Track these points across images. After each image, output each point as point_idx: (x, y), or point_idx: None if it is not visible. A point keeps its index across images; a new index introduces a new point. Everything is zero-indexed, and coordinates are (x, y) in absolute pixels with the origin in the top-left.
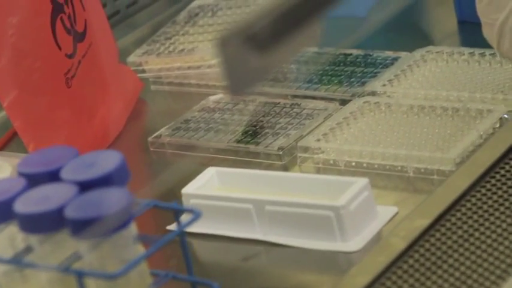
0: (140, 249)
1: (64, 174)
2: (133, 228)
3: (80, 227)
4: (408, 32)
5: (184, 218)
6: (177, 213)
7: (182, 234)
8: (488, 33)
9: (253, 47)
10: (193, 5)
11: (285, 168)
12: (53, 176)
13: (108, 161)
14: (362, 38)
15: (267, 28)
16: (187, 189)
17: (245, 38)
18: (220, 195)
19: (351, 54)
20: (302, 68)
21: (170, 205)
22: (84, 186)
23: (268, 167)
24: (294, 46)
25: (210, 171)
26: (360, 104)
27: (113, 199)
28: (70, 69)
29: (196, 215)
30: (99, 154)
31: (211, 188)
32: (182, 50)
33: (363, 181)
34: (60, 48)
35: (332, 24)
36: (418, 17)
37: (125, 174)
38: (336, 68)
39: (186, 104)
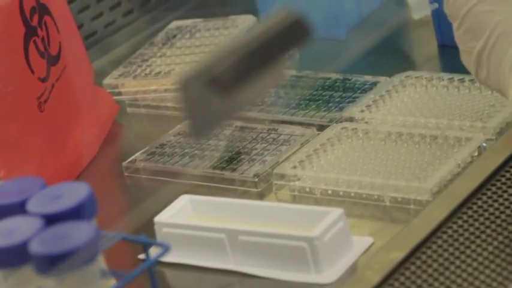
0: (109, 282)
1: (30, 206)
2: (100, 262)
3: (45, 262)
4: (388, 55)
5: (155, 249)
6: (145, 246)
7: (151, 268)
8: (466, 60)
9: (215, 90)
10: (171, 26)
11: (261, 195)
12: (19, 208)
13: (76, 193)
14: (341, 61)
15: (229, 70)
16: (160, 218)
17: (206, 80)
18: (193, 225)
19: (329, 79)
20: (280, 91)
21: (138, 238)
22: (51, 219)
23: (244, 194)
24: (258, 88)
25: (184, 199)
26: (337, 130)
27: (79, 233)
28: (43, 93)
29: (165, 248)
30: (67, 186)
31: (185, 216)
32: (159, 72)
33: (337, 211)
34: (33, 72)
35: (311, 46)
36: (399, 39)
37: (93, 207)
38: (314, 93)
39: (162, 127)
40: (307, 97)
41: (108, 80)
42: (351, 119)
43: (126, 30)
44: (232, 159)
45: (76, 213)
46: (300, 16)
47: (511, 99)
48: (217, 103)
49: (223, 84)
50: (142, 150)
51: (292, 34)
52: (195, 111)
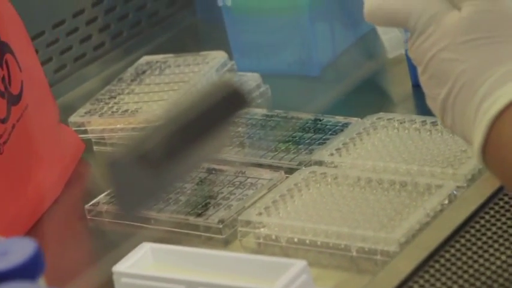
0: None
1: None
2: None
3: None
4: (361, 94)
5: None
6: None
7: None
8: (432, 106)
9: (145, 166)
10: (141, 61)
11: (226, 242)
12: None
13: (21, 250)
14: (313, 100)
15: (160, 146)
16: (118, 267)
17: (137, 157)
18: (152, 275)
19: (300, 119)
20: (250, 132)
21: None
22: None
23: (209, 240)
24: (193, 160)
25: (144, 247)
26: (305, 174)
27: None
28: (2, 134)
29: None
30: (13, 242)
31: (145, 265)
32: (126, 110)
33: (301, 264)
34: None
35: (283, 83)
36: (373, 78)
37: (39, 266)
38: (285, 133)
39: None
40: (277, 138)
41: (73, 118)
42: (320, 163)
43: (97, 64)
44: (197, 204)
45: (20, 272)
46: (237, 86)
47: (476, 149)
48: (148, 180)
49: (153, 160)
50: (106, 193)
51: (229, 105)
52: (125, 189)
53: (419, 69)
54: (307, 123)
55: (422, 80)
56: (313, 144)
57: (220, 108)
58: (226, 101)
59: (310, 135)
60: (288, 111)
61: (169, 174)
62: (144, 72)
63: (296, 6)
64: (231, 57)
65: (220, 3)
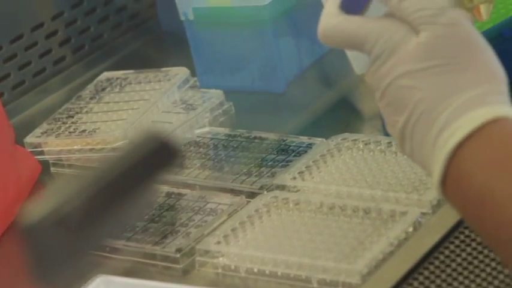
0: None
1: None
2: None
3: None
4: (328, 111)
5: None
6: None
7: None
8: (391, 132)
9: (63, 231)
10: (101, 77)
11: (184, 271)
12: None
13: None
14: (278, 118)
15: (80, 208)
16: None
17: (54, 222)
18: None
19: (265, 139)
20: (211, 153)
21: None
22: None
23: (166, 270)
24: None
25: (96, 281)
26: (266, 200)
27: None
28: None
29: None
30: None
31: None
32: (84, 130)
33: None
34: None
35: (247, 100)
36: (340, 94)
37: None
38: (247, 155)
39: None
40: (240, 160)
41: (29, 139)
42: (282, 187)
43: (57, 79)
44: (155, 231)
45: None
46: (166, 138)
47: (435, 182)
48: (65, 245)
49: (72, 224)
50: None
51: (157, 159)
52: (42, 255)
53: (377, 95)
54: (270, 144)
55: (380, 106)
56: (276, 167)
57: (147, 163)
58: (153, 155)
59: (273, 156)
60: (251, 131)
61: (91, 238)
62: (103, 89)
63: (259, 21)
64: (194, 73)
65: (182, 17)
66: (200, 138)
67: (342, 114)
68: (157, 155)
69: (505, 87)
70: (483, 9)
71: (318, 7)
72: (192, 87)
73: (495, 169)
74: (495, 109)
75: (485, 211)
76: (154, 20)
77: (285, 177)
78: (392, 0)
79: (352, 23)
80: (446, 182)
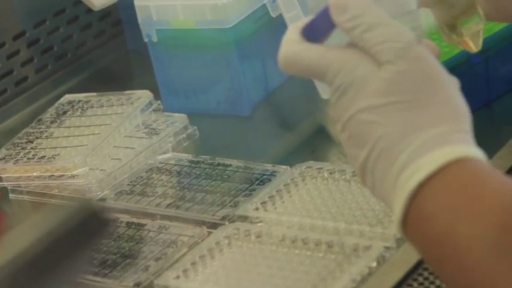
0: None
1: None
2: None
3: None
4: (294, 136)
5: None
6: None
7: None
8: (352, 165)
9: None
10: (62, 100)
11: None
12: None
13: None
14: (243, 142)
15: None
16: None
17: None
18: None
19: (229, 165)
20: (173, 180)
21: None
22: None
23: None
24: None
25: None
26: (228, 231)
27: None
28: None
29: None
30: None
31: None
32: (43, 157)
33: None
34: None
35: (212, 124)
36: (307, 118)
37: None
38: (212, 183)
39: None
40: (203, 188)
41: None
42: (244, 218)
43: (19, 100)
44: (114, 263)
45: None
46: (96, 208)
47: (395, 220)
48: None
49: None
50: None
51: (87, 229)
52: None
53: (338, 127)
54: (234, 171)
55: (341, 138)
56: (239, 196)
57: (77, 234)
58: (83, 225)
59: (236, 185)
60: (215, 158)
61: None
62: (65, 112)
63: (224, 43)
64: (159, 95)
65: (145, 38)
66: (163, 165)
67: (308, 139)
68: (86, 226)
69: (468, 124)
70: (472, 41)
71: (284, 29)
72: (156, 110)
73: (457, 213)
74: (457, 149)
75: (446, 255)
76: (120, 38)
77: (248, 207)
78: (355, 30)
79: (314, 52)
80: (407, 222)
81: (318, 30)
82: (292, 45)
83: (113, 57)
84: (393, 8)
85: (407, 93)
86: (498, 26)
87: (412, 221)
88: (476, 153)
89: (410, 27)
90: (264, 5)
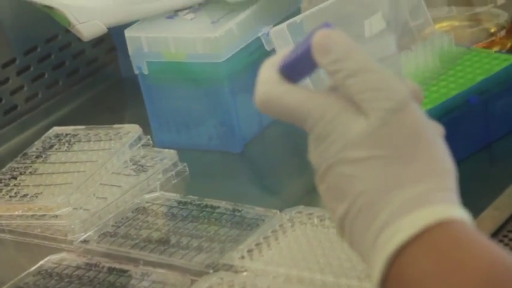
0: None
1: None
2: None
3: None
4: (285, 175)
5: None
6: None
7: None
8: (331, 217)
9: None
10: (49, 133)
11: None
12: None
13: None
14: (234, 181)
15: None
16: None
17: None
18: None
19: (217, 207)
20: (159, 222)
21: None
22: None
23: None
24: None
25: None
26: (211, 282)
27: None
28: None
29: None
30: None
31: None
32: (25, 195)
33: None
34: None
35: (203, 160)
36: (302, 155)
37: None
38: (199, 226)
39: (32, 256)
40: (189, 232)
41: None
42: (229, 267)
43: (9, 129)
44: None
45: None
46: None
47: (374, 282)
48: None
49: None
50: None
51: None
52: None
53: (317, 177)
54: (222, 214)
55: (320, 188)
56: (226, 241)
57: None
58: None
59: (224, 229)
60: (203, 199)
61: None
62: (51, 146)
63: (216, 78)
64: (149, 129)
65: (136, 70)
66: (149, 204)
67: (301, 179)
68: None
69: (453, 182)
70: None
71: None
72: (145, 145)
73: (439, 281)
74: (440, 210)
75: None
76: (113, 66)
77: (233, 255)
78: (338, 74)
79: (295, 96)
80: (386, 284)
81: (298, 69)
82: (271, 86)
83: (105, 85)
84: (374, 50)
85: (390, 148)
86: (497, 67)
87: (392, 284)
88: (461, 214)
89: (392, 71)
90: (258, 38)
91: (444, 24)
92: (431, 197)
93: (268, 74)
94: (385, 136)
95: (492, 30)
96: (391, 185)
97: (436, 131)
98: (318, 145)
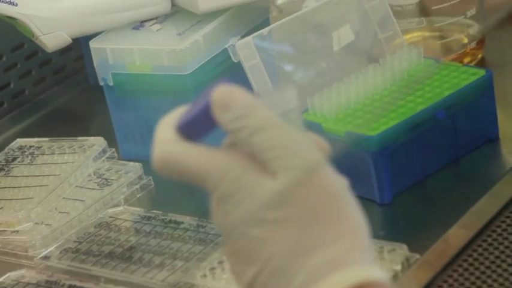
0: None
1: None
2: None
3: None
4: None
5: None
6: None
7: None
8: (237, 282)
9: None
10: (13, 145)
11: None
12: None
13: None
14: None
15: None
16: None
17: None
18: None
19: (182, 223)
20: (121, 238)
21: None
22: None
23: None
24: None
25: None
26: None
27: None
28: None
29: None
30: None
31: None
32: None
33: None
34: None
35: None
36: None
37: None
38: (162, 243)
39: None
40: (151, 248)
41: None
42: (191, 285)
43: None
44: None
45: None
46: None
47: None
48: None
49: None
50: None
51: None
52: None
53: (223, 238)
54: (187, 229)
55: (225, 251)
56: (189, 259)
57: None
58: None
59: (189, 246)
60: (167, 214)
61: None
62: (14, 159)
63: (181, 90)
64: (115, 141)
65: (101, 82)
66: (112, 219)
67: None
68: None
69: (368, 241)
70: None
71: (241, 77)
72: (110, 157)
73: None
74: (359, 271)
75: None
76: (81, 74)
77: (195, 274)
78: (240, 132)
79: (194, 155)
80: None
81: (197, 128)
82: (168, 146)
83: (73, 93)
84: (274, 105)
85: (302, 208)
86: (465, 82)
87: None
88: (378, 274)
89: (293, 126)
90: (226, 49)
91: (415, 34)
92: (349, 258)
93: (165, 134)
94: (296, 196)
95: (463, 42)
96: (306, 247)
97: (346, 189)
98: (221, 206)
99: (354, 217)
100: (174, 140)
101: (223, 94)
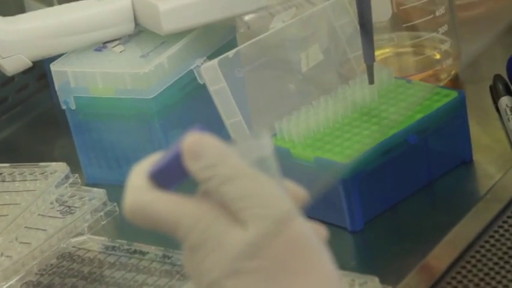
0: None
1: None
2: None
3: None
4: None
5: None
6: None
7: None
8: None
9: None
10: None
11: None
12: None
13: None
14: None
15: None
16: None
17: None
18: None
19: (147, 253)
20: (85, 270)
21: None
22: None
23: None
24: None
25: None
26: None
27: None
28: None
29: None
30: None
31: None
32: None
33: None
34: None
35: None
36: None
37: None
38: (126, 275)
39: None
40: (115, 280)
41: None
42: None
43: None
44: None
45: None
46: None
47: None
48: None
49: None
50: None
51: None
52: None
53: (193, 285)
54: (152, 260)
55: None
56: None
57: None
58: None
59: (154, 279)
60: (132, 243)
61: None
62: None
63: (146, 113)
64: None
65: (63, 105)
66: (76, 249)
67: None
68: None
69: None
70: None
71: (208, 99)
72: (74, 183)
73: None
74: None
75: None
76: (45, 92)
77: None
78: (210, 182)
79: (164, 204)
80: None
81: (169, 176)
82: (139, 194)
83: (37, 113)
84: (250, 152)
85: (271, 259)
86: (437, 104)
87: None
88: None
89: (269, 173)
90: (191, 71)
91: (386, 50)
92: None
93: (137, 181)
94: (266, 247)
95: (437, 58)
96: None
97: (318, 239)
98: (193, 255)
99: (325, 269)
100: (145, 188)
101: (194, 142)
